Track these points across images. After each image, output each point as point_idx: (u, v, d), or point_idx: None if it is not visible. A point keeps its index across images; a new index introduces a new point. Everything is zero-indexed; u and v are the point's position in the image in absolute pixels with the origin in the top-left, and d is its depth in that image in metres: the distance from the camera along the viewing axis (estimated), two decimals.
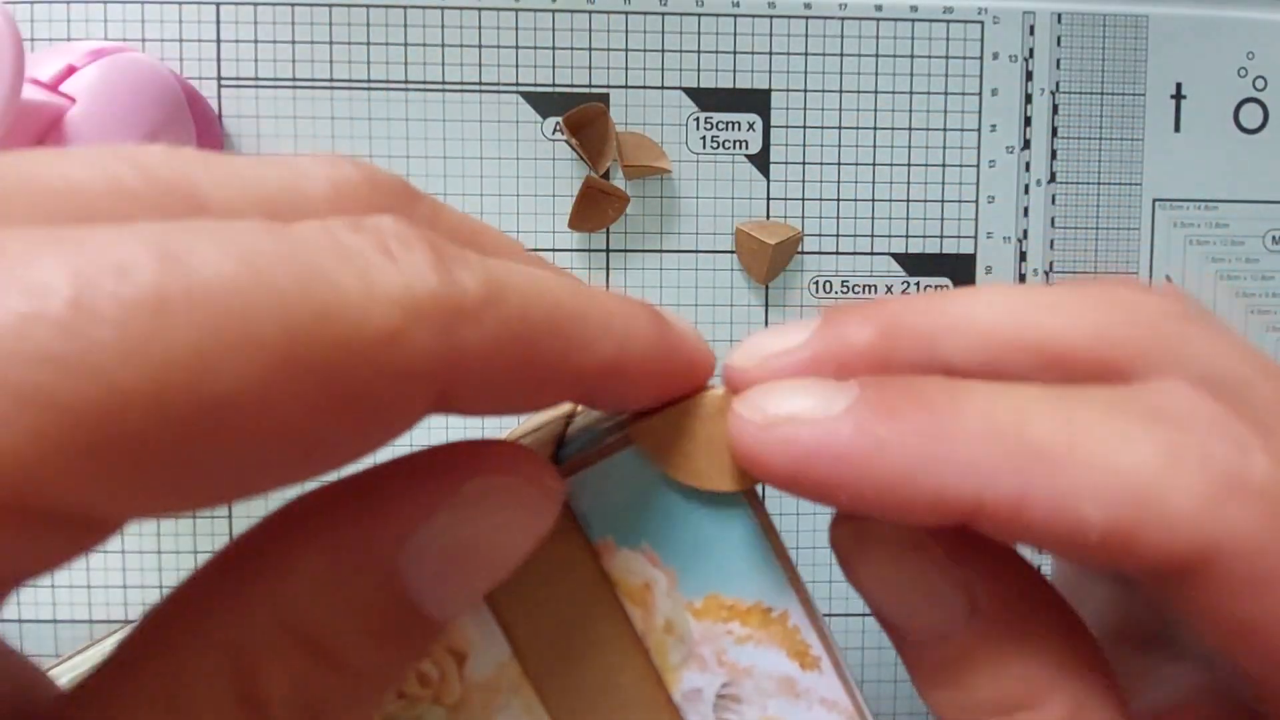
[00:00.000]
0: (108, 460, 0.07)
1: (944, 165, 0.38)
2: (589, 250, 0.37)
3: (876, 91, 0.37)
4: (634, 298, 0.13)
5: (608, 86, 0.37)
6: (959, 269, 0.38)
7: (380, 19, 0.36)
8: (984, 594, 0.13)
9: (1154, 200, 0.39)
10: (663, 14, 0.36)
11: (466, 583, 0.12)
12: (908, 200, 0.38)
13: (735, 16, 0.37)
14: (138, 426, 0.07)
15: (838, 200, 0.37)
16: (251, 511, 0.34)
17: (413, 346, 0.09)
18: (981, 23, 0.37)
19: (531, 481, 0.12)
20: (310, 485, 0.10)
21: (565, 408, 0.19)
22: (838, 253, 0.38)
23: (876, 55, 0.37)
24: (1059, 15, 0.38)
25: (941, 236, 0.38)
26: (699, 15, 0.37)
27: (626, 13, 0.36)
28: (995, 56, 0.38)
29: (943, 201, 0.38)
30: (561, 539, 0.12)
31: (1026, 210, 0.38)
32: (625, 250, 0.37)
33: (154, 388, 0.07)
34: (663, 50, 0.37)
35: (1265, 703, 0.12)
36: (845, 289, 0.38)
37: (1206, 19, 0.38)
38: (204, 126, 0.34)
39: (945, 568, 0.13)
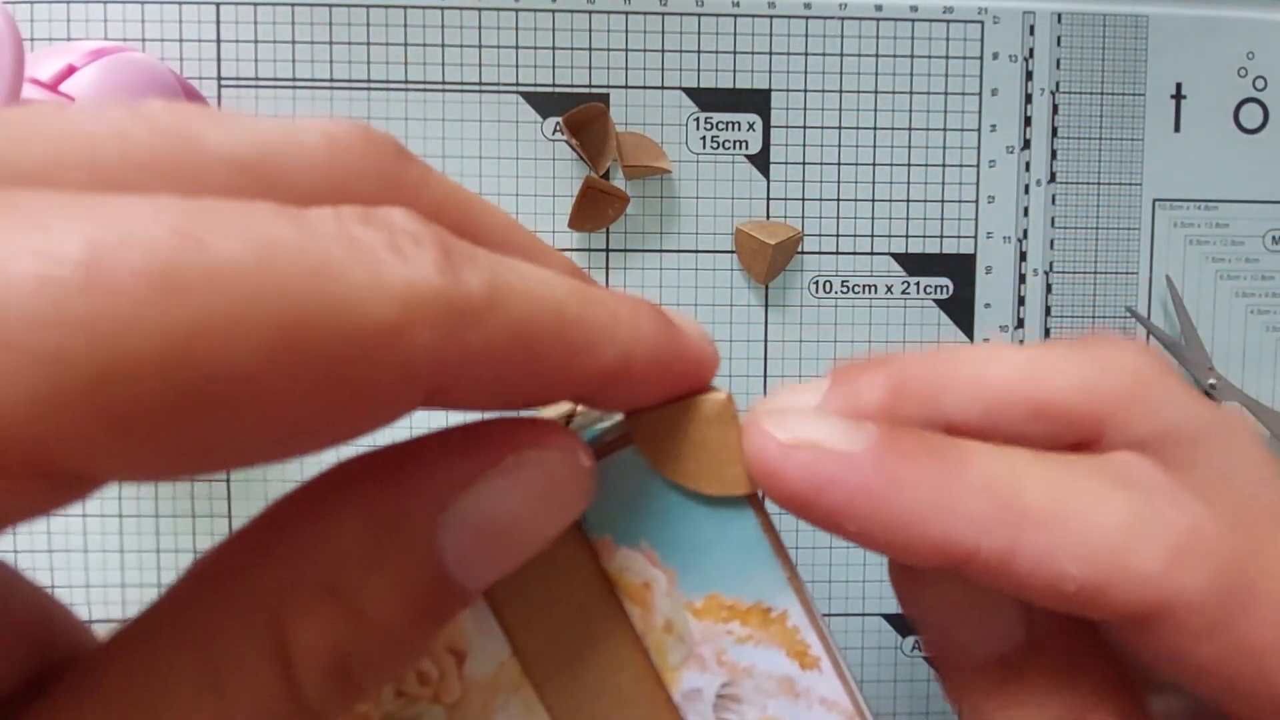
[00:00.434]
0: (107, 421, 0.08)
1: (944, 165, 0.38)
2: (589, 250, 0.37)
3: (876, 91, 0.37)
4: (640, 297, 0.13)
5: (608, 86, 0.37)
6: (959, 269, 0.38)
7: (380, 19, 0.36)
8: (1040, 617, 0.15)
9: (1154, 200, 0.39)
10: (663, 14, 0.36)
11: (501, 554, 0.12)
12: (908, 200, 0.38)
13: (735, 16, 0.37)
14: (139, 391, 0.08)
15: (838, 200, 0.37)
16: (251, 511, 0.34)
17: (412, 344, 0.09)
18: (981, 23, 0.37)
19: (568, 457, 0.12)
20: (349, 452, 0.11)
21: (565, 406, 0.19)
22: (838, 253, 0.38)
23: (876, 55, 0.37)
24: (1059, 15, 0.38)
25: (941, 236, 0.38)
26: (699, 15, 0.37)
27: (626, 13, 0.36)
28: (995, 56, 0.38)
29: (943, 201, 0.38)
30: (561, 537, 0.12)
31: (1026, 210, 0.38)
32: (625, 250, 0.37)
33: (157, 356, 0.08)
34: (663, 50, 0.37)
35: None
36: (845, 289, 0.38)
37: (1206, 19, 0.38)
38: None
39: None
